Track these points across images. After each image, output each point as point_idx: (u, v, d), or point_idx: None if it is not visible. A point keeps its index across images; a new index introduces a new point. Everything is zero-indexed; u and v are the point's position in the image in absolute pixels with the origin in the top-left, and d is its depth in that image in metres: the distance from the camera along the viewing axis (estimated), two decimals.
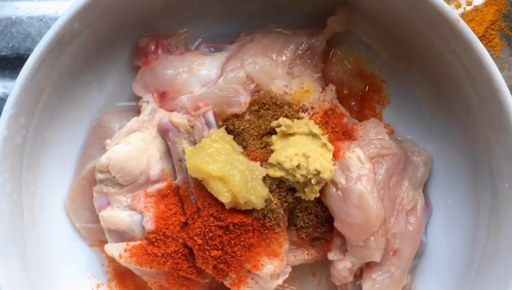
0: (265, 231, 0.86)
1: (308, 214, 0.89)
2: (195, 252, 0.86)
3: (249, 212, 0.85)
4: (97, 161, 0.89)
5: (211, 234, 0.84)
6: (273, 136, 0.89)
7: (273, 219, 0.85)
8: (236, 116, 0.90)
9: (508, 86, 0.80)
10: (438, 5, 0.80)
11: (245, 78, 0.89)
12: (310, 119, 0.89)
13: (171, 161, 0.90)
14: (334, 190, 0.86)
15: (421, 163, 0.94)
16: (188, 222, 0.87)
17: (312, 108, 0.91)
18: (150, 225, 0.87)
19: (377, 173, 0.88)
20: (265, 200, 0.84)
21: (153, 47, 0.92)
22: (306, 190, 0.85)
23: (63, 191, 0.95)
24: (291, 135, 0.88)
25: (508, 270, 0.82)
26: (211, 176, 0.82)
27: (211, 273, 0.87)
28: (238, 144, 0.88)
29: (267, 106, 0.90)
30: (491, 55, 0.81)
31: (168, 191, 0.89)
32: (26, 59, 0.80)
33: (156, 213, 0.87)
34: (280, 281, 0.88)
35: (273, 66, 0.90)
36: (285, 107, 0.91)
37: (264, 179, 0.85)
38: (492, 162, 0.86)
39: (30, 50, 0.83)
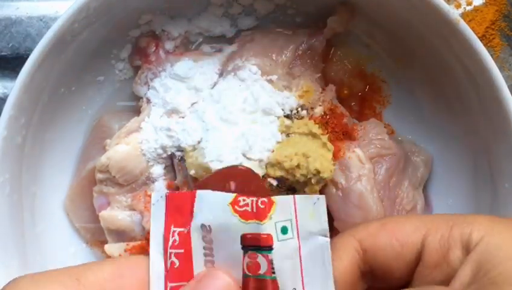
0: None
1: None
2: None
3: None
4: (97, 161, 0.89)
5: None
6: None
7: None
8: None
9: (508, 86, 0.80)
10: (438, 5, 0.80)
11: None
12: (309, 119, 0.89)
13: (171, 161, 0.90)
14: (334, 190, 0.86)
15: (421, 163, 0.94)
16: None
17: (312, 108, 0.91)
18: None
19: (377, 173, 0.88)
20: None
21: (153, 47, 0.92)
22: (306, 189, 0.85)
23: (63, 191, 0.95)
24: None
25: None
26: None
27: None
28: None
29: None
30: (491, 55, 0.80)
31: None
32: (26, 59, 0.80)
33: None
34: None
35: (273, 66, 0.90)
36: None
37: (264, 178, 0.85)
38: (492, 162, 0.86)
39: (30, 50, 0.83)
